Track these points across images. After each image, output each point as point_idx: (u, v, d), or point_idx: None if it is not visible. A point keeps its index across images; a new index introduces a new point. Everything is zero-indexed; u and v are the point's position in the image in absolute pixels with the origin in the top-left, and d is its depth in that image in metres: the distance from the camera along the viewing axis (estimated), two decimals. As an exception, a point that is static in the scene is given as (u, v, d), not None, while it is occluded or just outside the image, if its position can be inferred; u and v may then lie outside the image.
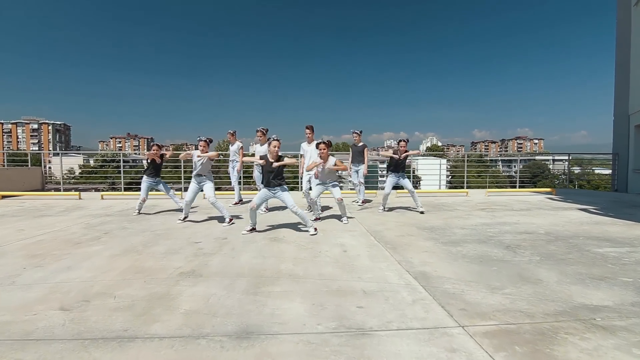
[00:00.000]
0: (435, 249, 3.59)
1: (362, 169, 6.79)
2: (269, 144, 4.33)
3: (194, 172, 5.00)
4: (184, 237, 4.17)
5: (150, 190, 5.84)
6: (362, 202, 6.87)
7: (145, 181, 5.76)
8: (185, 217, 5.13)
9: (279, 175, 4.35)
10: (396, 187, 6.34)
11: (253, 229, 4.39)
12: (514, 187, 10.39)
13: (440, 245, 3.77)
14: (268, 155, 4.33)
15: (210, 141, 5.14)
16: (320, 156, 5.04)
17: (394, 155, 5.84)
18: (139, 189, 6.09)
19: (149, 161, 5.85)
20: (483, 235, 4.22)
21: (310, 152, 5.85)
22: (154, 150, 5.80)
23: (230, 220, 4.92)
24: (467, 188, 9.53)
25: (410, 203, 6.92)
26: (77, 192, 7.98)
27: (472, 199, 7.81)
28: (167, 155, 6.08)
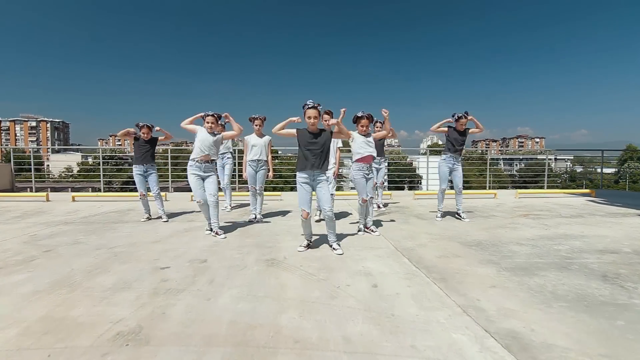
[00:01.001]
0: (506, 282, 2.48)
1: (384, 167, 5.67)
2: (305, 114, 3.22)
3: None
4: (149, 257, 3.06)
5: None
6: (378, 207, 5.75)
7: (135, 172, 4.67)
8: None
9: (328, 154, 3.33)
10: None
11: (309, 245, 3.36)
12: (519, 187, 9.29)
13: (508, 274, 2.66)
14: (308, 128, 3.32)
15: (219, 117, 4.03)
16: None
17: (450, 126, 4.69)
18: (133, 190, 4.91)
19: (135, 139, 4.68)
20: (555, 256, 3.11)
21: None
22: (143, 132, 4.65)
23: (216, 233, 3.81)
24: (492, 189, 8.40)
25: (433, 206, 5.82)
26: (45, 193, 6.88)
27: (503, 202, 6.69)
28: (164, 137, 4.95)
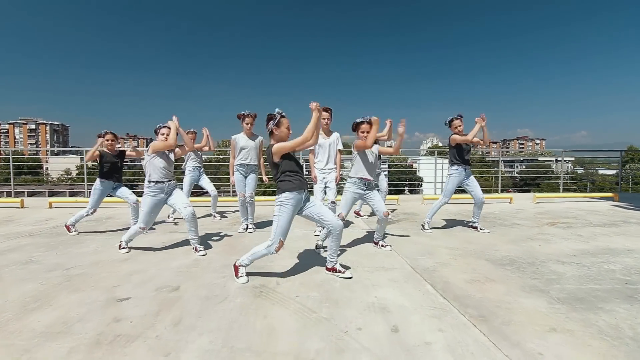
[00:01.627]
0: (566, 321, 1.88)
1: (383, 172, 5.08)
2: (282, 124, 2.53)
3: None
4: (109, 283, 2.46)
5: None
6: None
7: (97, 187, 4.03)
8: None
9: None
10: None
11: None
12: (527, 190, 8.69)
13: (564, 308, 2.06)
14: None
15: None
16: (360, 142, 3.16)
17: (466, 138, 3.95)
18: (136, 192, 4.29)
19: (100, 156, 4.02)
20: (612, 279, 2.51)
21: (327, 147, 3.85)
22: (108, 139, 4.04)
23: (195, 249, 3.22)
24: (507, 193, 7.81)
25: (445, 213, 5.22)
26: (20, 199, 6.28)
27: (521, 207, 6.09)
28: (129, 152, 4.35)
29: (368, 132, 3.05)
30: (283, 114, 2.51)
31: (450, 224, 4.60)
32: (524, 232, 4.09)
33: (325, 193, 3.98)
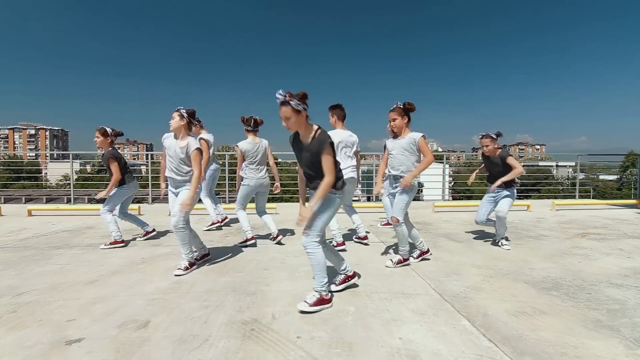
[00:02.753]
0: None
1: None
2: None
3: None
4: (63, 317, 1.96)
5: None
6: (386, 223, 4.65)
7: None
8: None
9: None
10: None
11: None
12: (522, 195, 8.21)
13: (652, 356, 1.56)
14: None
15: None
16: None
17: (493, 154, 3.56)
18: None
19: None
20: (691, 311, 2.01)
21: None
22: (105, 138, 3.55)
23: (199, 259, 2.72)
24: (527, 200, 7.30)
25: (459, 221, 4.72)
26: (-4, 207, 5.77)
27: (542, 215, 5.59)
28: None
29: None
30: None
31: (470, 235, 4.11)
32: (555, 246, 3.59)
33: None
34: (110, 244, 3.50)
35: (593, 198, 9.05)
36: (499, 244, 3.51)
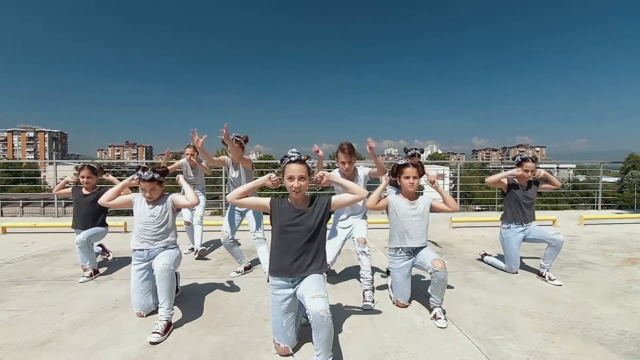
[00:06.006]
0: None
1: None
2: (285, 171, 1.85)
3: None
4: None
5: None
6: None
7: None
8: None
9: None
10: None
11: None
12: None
13: None
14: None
15: None
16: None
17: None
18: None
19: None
20: None
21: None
22: (83, 177, 3.20)
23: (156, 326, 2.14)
24: (551, 211, 6.71)
25: (481, 241, 4.16)
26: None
27: (573, 233, 5.03)
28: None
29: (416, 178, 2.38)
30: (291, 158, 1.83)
31: (484, 265, 3.53)
32: (608, 278, 3.04)
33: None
34: (90, 275, 3.00)
35: (595, 203, 8.50)
36: (547, 278, 2.94)
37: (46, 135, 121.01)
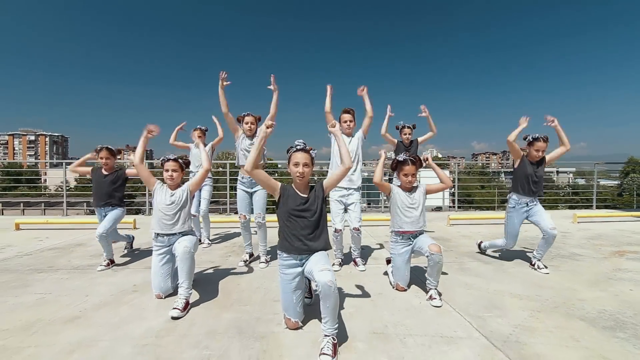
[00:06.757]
0: None
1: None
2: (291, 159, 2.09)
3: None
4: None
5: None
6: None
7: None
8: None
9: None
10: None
11: None
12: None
13: None
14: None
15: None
16: None
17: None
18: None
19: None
20: None
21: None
22: (103, 156, 3.37)
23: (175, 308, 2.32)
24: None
25: (478, 236, 4.35)
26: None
27: (566, 230, 5.24)
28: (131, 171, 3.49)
29: (413, 175, 2.61)
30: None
31: (497, 255, 3.73)
32: (595, 268, 3.23)
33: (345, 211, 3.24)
34: (107, 264, 3.22)
35: (597, 206, 8.69)
36: (536, 266, 3.13)
37: (47, 139, 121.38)
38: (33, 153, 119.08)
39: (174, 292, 2.46)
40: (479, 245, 3.73)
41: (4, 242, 4.43)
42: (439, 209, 9.68)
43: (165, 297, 2.46)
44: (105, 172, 3.36)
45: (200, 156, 4.10)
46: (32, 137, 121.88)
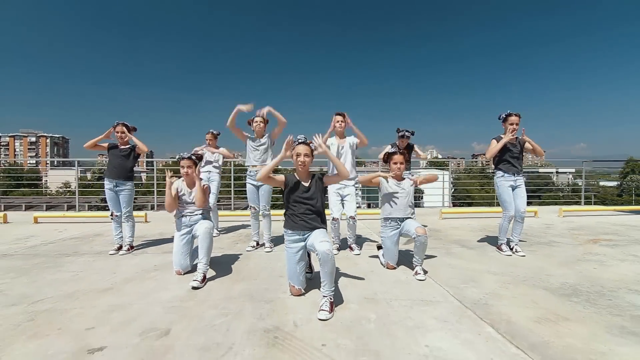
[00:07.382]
0: None
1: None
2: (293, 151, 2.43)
3: None
4: (82, 325, 1.93)
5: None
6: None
7: (105, 186, 3.63)
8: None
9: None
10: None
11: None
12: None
13: (684, 363, 1.54)
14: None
15: None
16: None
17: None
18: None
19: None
20: None
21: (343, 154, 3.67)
22: (119, 130, 3.63)
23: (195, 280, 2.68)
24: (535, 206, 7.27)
25: (468, 228, 4.71)
26: (3, 214, 5.76)
27: (550, 222, 5.59)
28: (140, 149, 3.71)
29: (402, 163, 3.01)
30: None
31: (482, 242, 4.09)
32: (569, 252, 3.58)
33: (343, 207, 3.61)
34: (127, 249, 3.59)
35: (594, 204, 9.05)
36: (514, 250, 3.49)
37: (48, 140, 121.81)
38: (34, 154, 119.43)
39: (192, 270, 2.81)
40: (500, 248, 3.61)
41: (27, 233, 4.78)
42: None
43: (184, 274, 2.81)
44: (121, 147, 3.63)
45: (212, 158, 4.48)
46: (33, 139, 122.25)
